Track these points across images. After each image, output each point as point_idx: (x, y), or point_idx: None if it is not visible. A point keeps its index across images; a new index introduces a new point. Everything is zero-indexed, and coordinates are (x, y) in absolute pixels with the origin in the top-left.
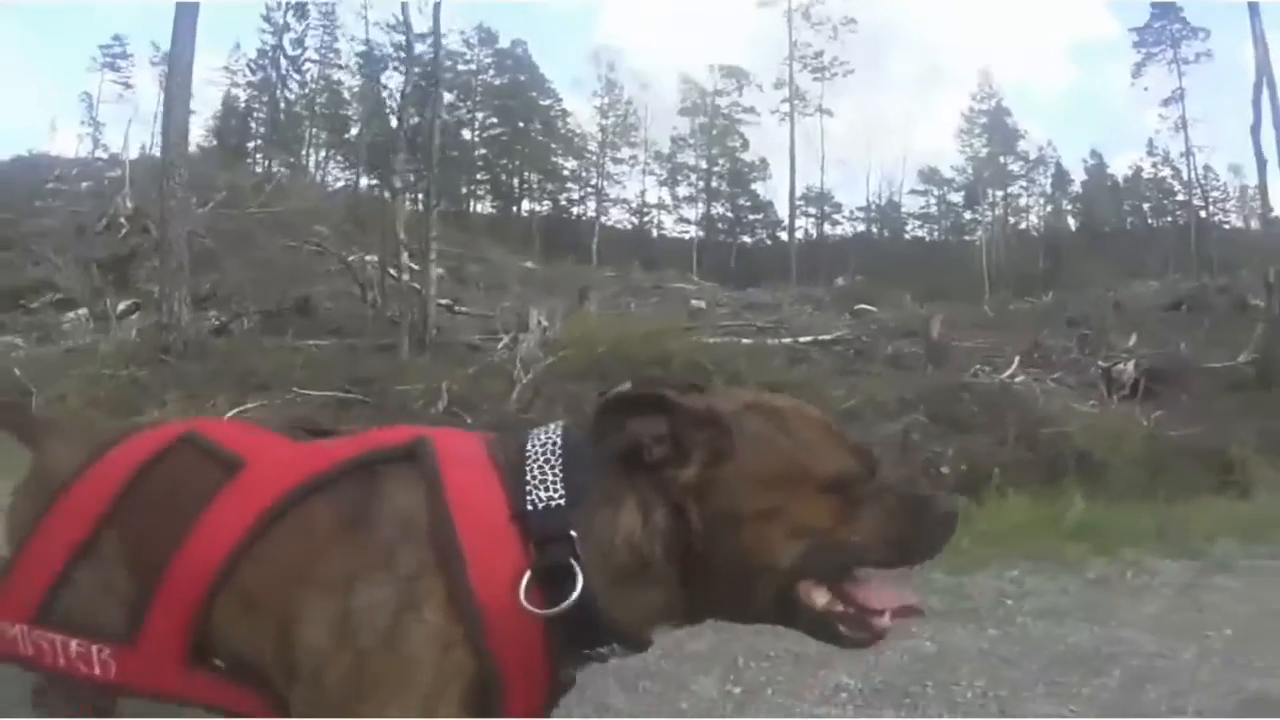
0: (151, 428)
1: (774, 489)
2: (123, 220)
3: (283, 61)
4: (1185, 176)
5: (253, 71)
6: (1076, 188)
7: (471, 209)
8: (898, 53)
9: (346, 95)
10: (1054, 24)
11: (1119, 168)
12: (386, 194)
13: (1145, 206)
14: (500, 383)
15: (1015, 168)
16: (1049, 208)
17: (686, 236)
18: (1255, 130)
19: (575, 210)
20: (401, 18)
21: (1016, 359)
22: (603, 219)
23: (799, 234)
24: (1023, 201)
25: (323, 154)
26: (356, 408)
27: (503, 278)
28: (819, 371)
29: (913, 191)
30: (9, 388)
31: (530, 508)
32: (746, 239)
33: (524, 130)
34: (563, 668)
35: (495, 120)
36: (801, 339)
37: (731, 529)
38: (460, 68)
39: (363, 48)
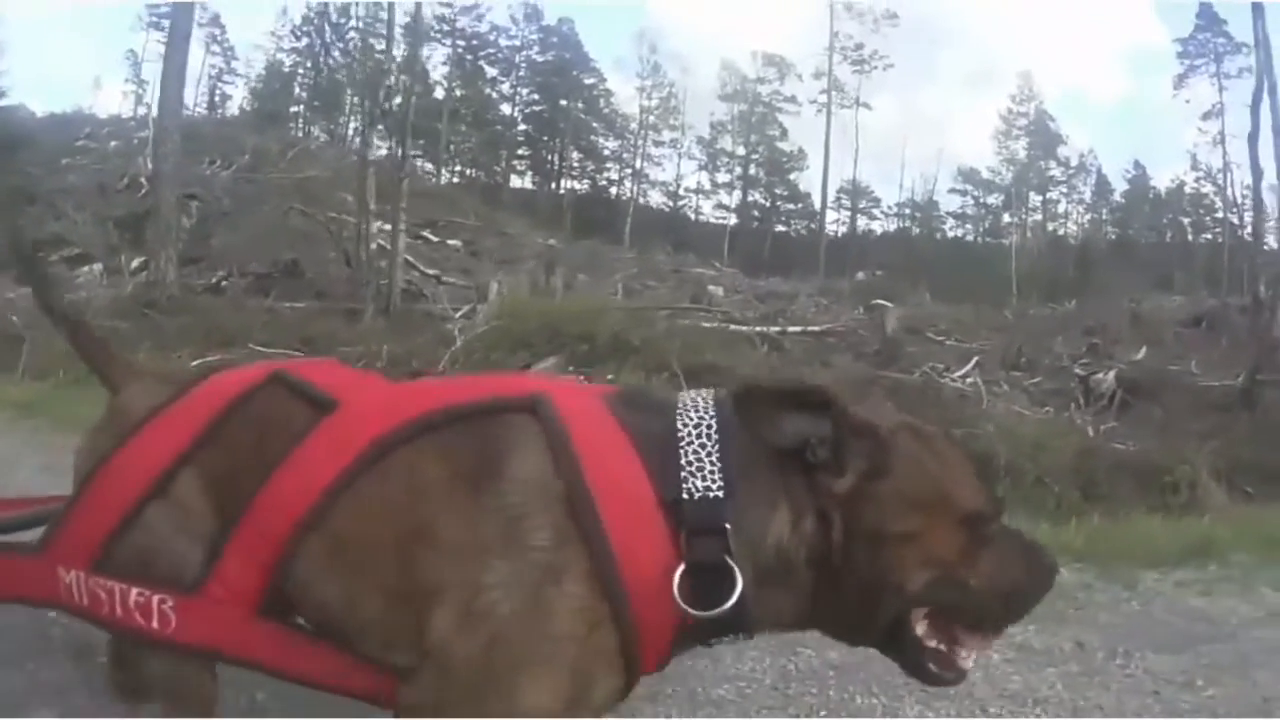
0: (238, 367)
1: (918, 513)
2: (143, 180)
3: (326, 28)
4: (1226, 194)
5: (297, 38)
6: (1118, 197)
7: (509, 183)
8: (945, 50)
9: (393, 67)
10: (1106, 29)
11: (1162, 180)
12: (370, 154)
13: (1185, 221)
14: (442, 349)
15: (1057, 173)
16: (1088, 216)
17: (722, 223)
18: (1253, 140)
19: (614, 190)
20: None
21: (974, 360)
22: (640, 200)
23: (837, 226)
24: (1061, 208)
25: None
26: None
27: (519, 253)
28: (758, 357)
29: (951, 190)
30: (4, 336)
31: (686, 496)
32: (783, 228)
33: (565, 108)
34: (684, 649)
35: (537, 97)
36: (790, 329)
37: (872, 547)
38: (504, 43)
39: (406, 19)
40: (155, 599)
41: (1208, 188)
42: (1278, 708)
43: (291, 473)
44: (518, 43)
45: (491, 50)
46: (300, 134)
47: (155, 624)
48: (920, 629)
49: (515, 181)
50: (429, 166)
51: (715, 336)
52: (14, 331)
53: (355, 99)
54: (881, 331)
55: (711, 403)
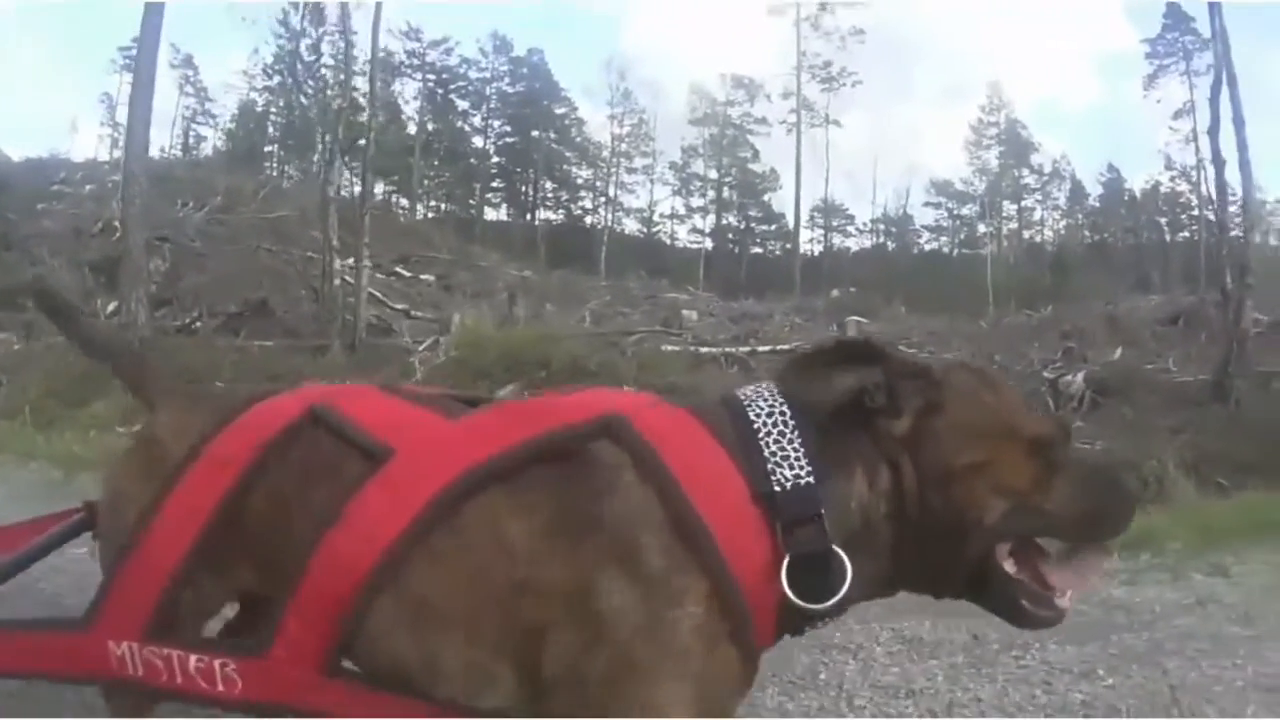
0: (273, 398)
1: (982, 443)
2: (116, 224)
3: (298, 66)
4: (1201, 191)
5: (268, 76)
6: (1094, 202)
7: (484, 216)
8: (916, 65)
9: (361, 101)
10: (1076, 36)
11: (1137, 182)
12: (331, 190)
13: (1162, 221)
14: (405, 381)
15: (1031, 181)
16: (1064, 222)
17: (698, 247)
18: (1213, 132)
19: (589, 219)
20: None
21: None
22: (616, 228)
23: (813, 245)
24: (1037, 215)
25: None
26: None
27: (491, 285)
28: (723, 378)
29: (926, 204)
30: None
31: (778, 488)
32: (759, 250)
33: (538, 139)
34: (777, 640)
35: (509, 129)
36: (759, 349)
37: (942, 484)
38: (474, 75)
39: (381, 53)
40: (216, 663)
41: (1183, 186)
42: (1184, 696)
43: (348, 531)
44: (488, 75)
45: (462, 83)
46: (275, 173)
47: (221, 687)
48: (1011, 568)
49: (491, 214)
50: (404, 202)
51: (680, 359)
52: None
53: (325, 136)
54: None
55: (774, 389)
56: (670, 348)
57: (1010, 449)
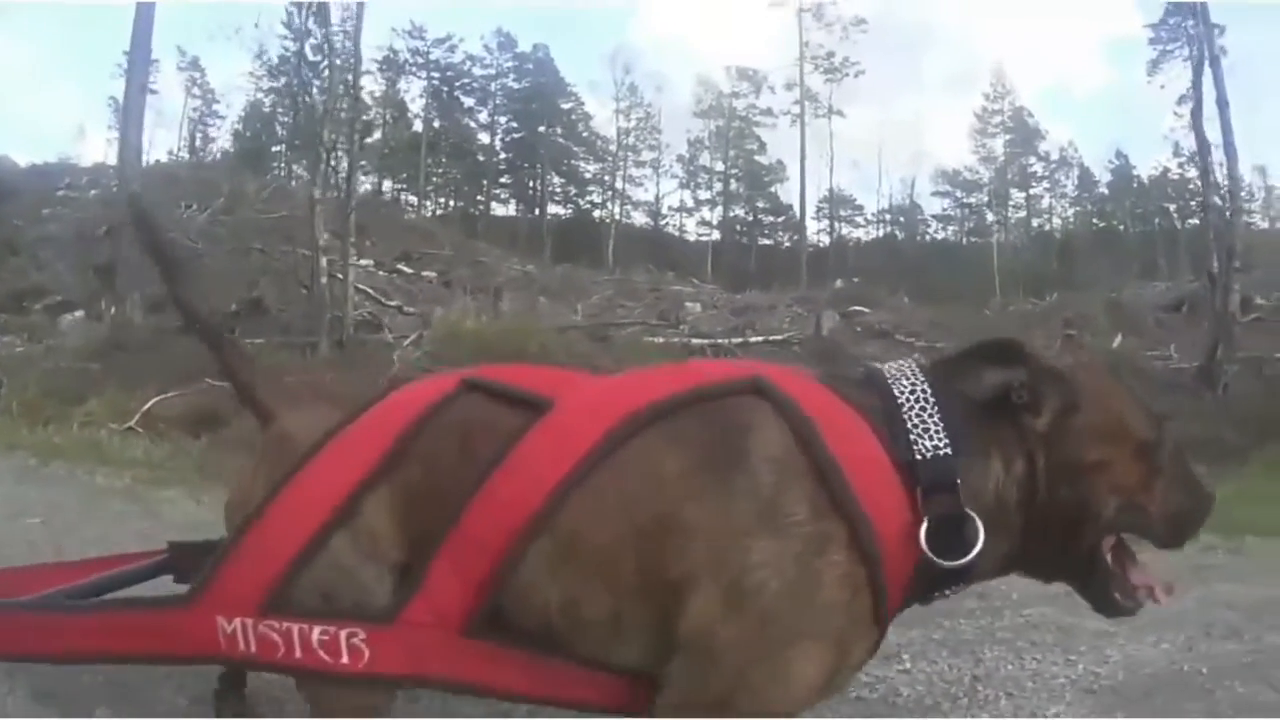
0: (420, 381)
1: (1106, 444)
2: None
3: (303, 66)
4: (1208, 176)
5: (274, 77)
6: (1102, 189)
7: (492, 212)
8: (921, 54)
9: (368, 100)
10: (1082, 22)
11: (1145, 168)
12: (318, 193)
13: (1170, 208)
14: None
15: (1038, 168)
16: (1073, 209)
17: (706, 239)
18: (1196, 114)
19: (598, 214)
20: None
21: (913, 358)
22: (625, 221)
23: (821, 237)
24: (1045, 203)
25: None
26: None
27: (493, 281)
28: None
29: (934, 193)
30: None
31: (919, 456)
32: (767, 241)
33: (544, 134)
34: (904, 607)
35: (516, 124)
36: (753, 339)
37: (1069, 479)
38: (479, 72)
39: (383, 53)
40: (342, 634)
41: (1191, 173)
42: (985, 688)
43: (510, 476)
44: (493, 71)
45: (467, 80)
46: (283, 172)
47: (345, 660)
48: (1109, 560)
49: (499, 210)
50: (411, 199)
51: (666, 351)
52: None
53: (331, 136)
54: (816, 333)
55: (917, 369)
56: (657, 339)
57: (1126, 451)
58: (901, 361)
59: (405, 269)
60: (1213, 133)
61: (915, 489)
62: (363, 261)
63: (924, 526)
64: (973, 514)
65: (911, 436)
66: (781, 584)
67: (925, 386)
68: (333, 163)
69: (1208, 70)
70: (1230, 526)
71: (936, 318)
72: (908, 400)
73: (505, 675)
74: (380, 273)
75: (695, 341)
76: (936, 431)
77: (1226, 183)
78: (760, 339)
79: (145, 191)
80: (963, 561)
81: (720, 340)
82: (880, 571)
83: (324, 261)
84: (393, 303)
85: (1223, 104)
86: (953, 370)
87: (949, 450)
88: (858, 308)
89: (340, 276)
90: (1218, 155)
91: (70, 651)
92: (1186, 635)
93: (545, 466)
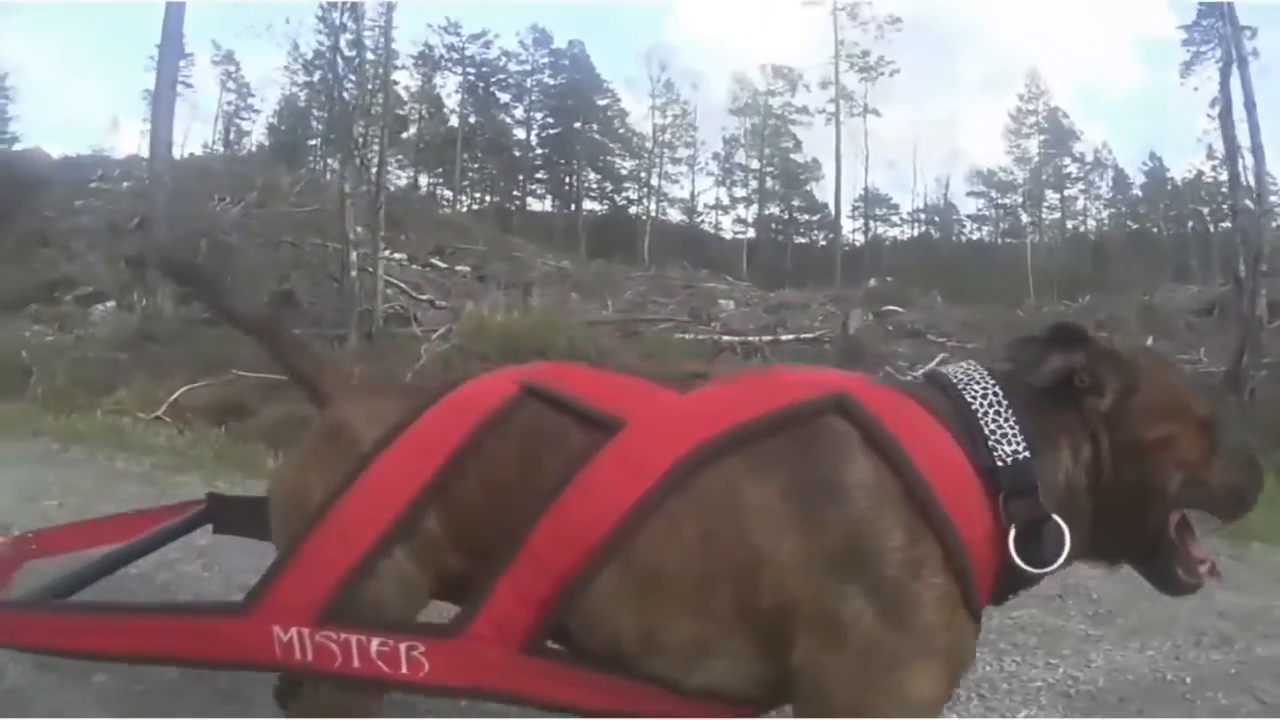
0: (479, 380)
1: (1167, 421)
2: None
3: (339, 62)
4: (1236, 179)
5: (309, 72)
6: (1136, 191)
7: (528, 208)
8: (956, 54)
9: (404, 95)
10: (1117, 23)
11: (1179, 170)
12: (348, 188)
13: (1204, 211)
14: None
15: (1073, 169)
16: (1108, 211)
17: (743, 237)
18: (1225, 116)
19: (633, 210)
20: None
21: (939, 357)
22: (660, 218)
23: (857, 235)
24: (1080, 204)
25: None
26: (282, 387)
27: (527, 275)
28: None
29: (970, 193)
30: (12, 367)
31: (1000, 463)
32: (802, 240)
33: (580, 130)
34: None
35: (552, 120)
36: (783, 337)
37: (1133, 458)
38: (514, 68)
39: (418, 48)
40: (403, 646)
41: (1224, 175)
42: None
43: (579, 499)
44: (528, 67)
45: (503, 76)
46: (318, 166)
47: (404, 670)
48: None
49: (535, 206)
50: (447, 194)
51: (695, 347)
52: (24, 364)
53: (362, 130)
54: (843, 331)
55: (982, 370)
56: (688, 336)
57: (1187, 426)
58: (966, 364)
59: (439, 263)
60: (1243, 135)
61: (997, 495)
62: (396, 256)
63: (1011, 534)
64: (1056, 518)
65: (991, 443)
66: (879, 611)
67: (996, 389)
68: (365, 157)
69: (1236, 72)
70: (1237, 533)
71: (969, 318)
72: (981, 406)
73: (568, 691)
74: (414, 267)
75: (725, 339)
76: (1014, 436)
77: (1255, 185)
78: (791, 337)
79: (178, 184)
80: (1051, 568)
81: (751, 338)
82: (973, 586)
83: (354, 255)
84: (424, 296)
85: (1250, 105)
86: (1015, 362)
87: (1028, 454)
88: (891, 307)
89: (370, 270)
90: (1248, 158)
91: (125, 652)
92: (1174, 643)
93: (615, 492)
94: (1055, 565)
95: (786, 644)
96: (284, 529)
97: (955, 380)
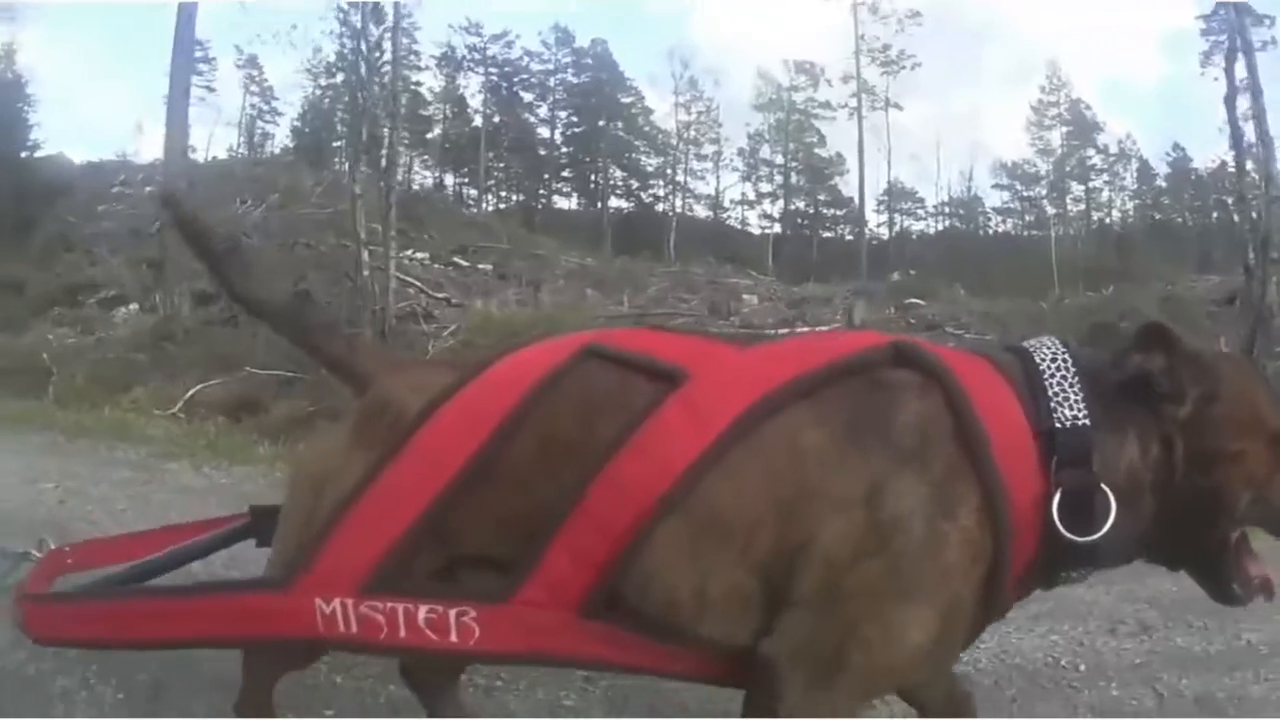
0: (537, 344)
1: (1243, 435)
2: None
3: (361, 64)
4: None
5: (331, 74)
6: (1161, 182)
7: (554, 206)
8: (978, 47)
9: (427, 96)
10: (1139, 14)
11: (1203, 160)
12: (357, 189)
13: (1228, 200)
14: None
15: (1098, 161)
16: (1133, 202)
17: (769, 232)
18: (1229, 101)
19: (660, 207)
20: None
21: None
22: (687, 215)
23: (883, 229)
24: (1105, 196)
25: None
26: (296, 384)
27: (549, 273)
28: None
29: (995, 185)
30: (34, 368)
31: (1058, 425)
32: (829, 234)
33: (604, 128)
34: (1026, 591)
35: (576, 119)
36: (800, 330)
37: (1206, 468)
38: (537, 67)
39: (443, 49)
40: (452, 613)
41: (1248, 165)
42: None
43: (639, 453)
44: (551, 66)
45: (526, 76)
46: (343, 167)
47: (454, 638)
48: None
49: (561, 204)
50: (473, 194)
51: None
52: (45, 366)
53: (392, 131)
54: (848, 324)
55: (1060, 344)
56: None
57: (1260, 441)
58: (1045, 337)
59: (461, 262)
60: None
61: (1050, 459)
62: (419, 255)
63: (1056, 497)
64: (1105, 488)
65: (1052, 404)
66: (909, 540)
67: (1067, 357)
68: (376, 158)
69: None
70: None
71: (991, 310)
72: (1049, 369)
73: (626, 654)
74: (436, 265)
75: (743, 333)
76: (1076, 402)
77: (1263, 172)
78: (807, 330)
79: (202, 188)
80: (1093, 537)
81: (768, 332)
82: (1006, 541)
83: (366, 255)
84: (441, 295)
85: (1257, 92)
86: (1097, 349)
87: (1087, 421)
88: (914, 300)
89: (383, 269)
90: (1262, 150)
91: (165, 638)
92: (1086, 629)
93: (678, 445)
94: (1097, 535)
95: (808, 564)
96: (318, 504)
97: (1029, 346)
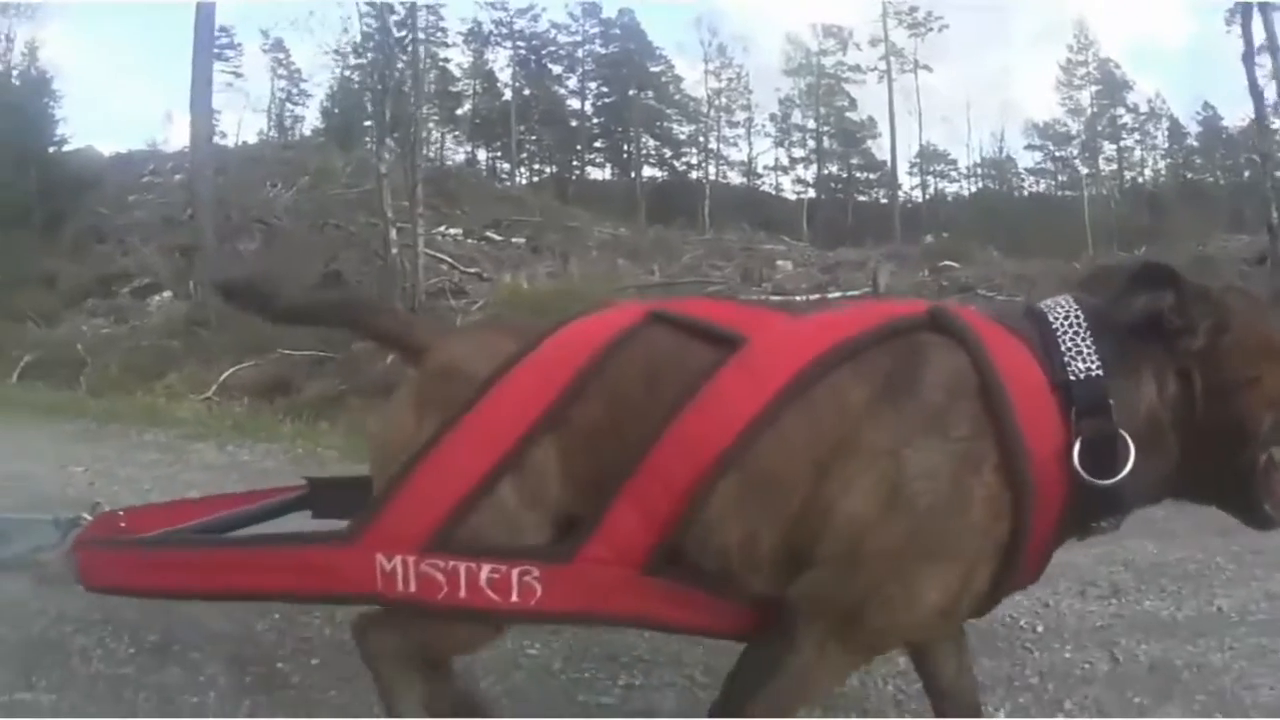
0: (603, 311)
1: (1259, 360)
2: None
3: (388, 42)
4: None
5: (358, 54)
6: (1192, 141)
7: (587, 177)
8: (1007, 6)
9: (456, 72)
10: None
11: (1234, 119)
12: (383, 168)
13: (1258, 158)
14: None
15: (1129, 120)
16: (1165, 161)
17: (804, 197)
18: (1247, 59)
19: (694, 175)
20: None
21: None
22: (721, 182)
23: (917, 192)
24: (1137, 155)
25: (433, 131)
26: (327, 364)
27: (582, 245)
28: None
29: (1029, 146)
30: (70, 360)
31: (1073, 378)
32: (863, 198)
33: (635, 98)
34: (1059, 542)
35: (606, 89)
36: (831, 295)
37: (1224, 397)
38: (564, 39)
39: (470, 24)
40: (515, 572)
41: (1277, 123)
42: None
43: (701, 413)
44: (579, 38)
45: (554, 48)
46: (372, 147)
47: (515, 598)
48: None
49: (595, 174)
50: (505, 168)
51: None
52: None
53: (416, 108)
54: (874, 285)
55: (1071, 300)
56: (739, 298)
57: (1277, 365)
58: (1060, 295)
59: (495, 236)
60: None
61: (1069, 411)
62: (452, 230)
63: (1077, 446)
64: (1124, 433)
65: (1066, 359)
66: (935, 498)
67: (1078, 312)
68: (404, 136)
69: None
70: None
71: (1024, 271)
72: (1061, 326)
73: (685, 613)
74: (469, 240)
75: (774, 298)
76: (1089, 354)
77: None
78: (839, 294)
79: (231, 173)
80: (1114, 480)
81: (798, 297)
82: (1030, 495)
83: (393, 233)
84: (471, 270)
85: (1274, 49)
86: (1106, 297)
87: (1100, 372)
88: (948, 262)
89: (410, 246)
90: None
91: (221, 589)
92: (1056, 590)
93: (737, 404)
94: (1118, 478)
95: (835, 521)
96: (388, 467)
97: (1044, 306)
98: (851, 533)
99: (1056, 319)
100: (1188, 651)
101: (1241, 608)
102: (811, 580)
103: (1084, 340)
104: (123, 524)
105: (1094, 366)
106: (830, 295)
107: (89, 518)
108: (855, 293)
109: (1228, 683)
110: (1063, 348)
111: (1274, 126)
